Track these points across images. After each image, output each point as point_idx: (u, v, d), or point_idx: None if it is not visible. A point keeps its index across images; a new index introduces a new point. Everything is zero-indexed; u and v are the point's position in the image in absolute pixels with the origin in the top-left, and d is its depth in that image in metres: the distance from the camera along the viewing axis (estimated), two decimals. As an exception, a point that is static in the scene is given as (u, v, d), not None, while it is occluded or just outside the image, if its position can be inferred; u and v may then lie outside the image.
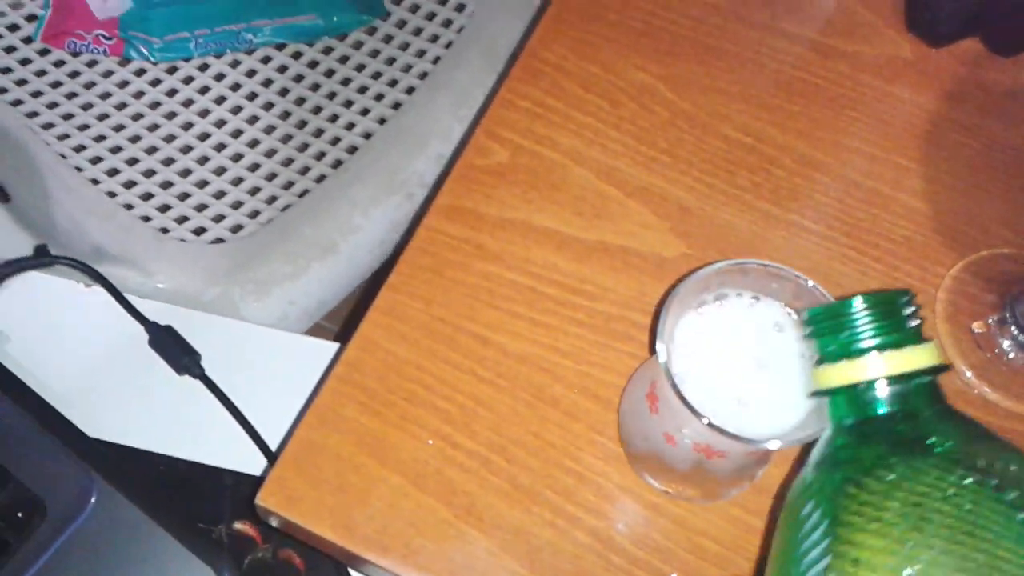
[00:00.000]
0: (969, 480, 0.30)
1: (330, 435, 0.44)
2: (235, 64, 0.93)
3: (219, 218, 0.84)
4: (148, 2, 0.91)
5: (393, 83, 0.92)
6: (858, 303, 0.32)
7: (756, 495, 0.44)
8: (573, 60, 0.55)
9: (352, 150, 0.88)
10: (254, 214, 0.85)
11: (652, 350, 0.46)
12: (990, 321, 0.49)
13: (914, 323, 0.33)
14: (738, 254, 0.50)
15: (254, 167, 0.87)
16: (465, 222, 0.50)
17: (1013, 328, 0.49)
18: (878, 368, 0.32)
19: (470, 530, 0.43)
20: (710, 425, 0.35)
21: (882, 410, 0.32)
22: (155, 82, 0.92)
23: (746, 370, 0.38)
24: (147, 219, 0.83)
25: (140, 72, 0.92)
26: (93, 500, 0.55)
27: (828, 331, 0.33)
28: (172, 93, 0.91)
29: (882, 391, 0.32)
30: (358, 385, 0.45)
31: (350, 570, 0.55)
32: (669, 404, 0.37)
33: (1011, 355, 0.49)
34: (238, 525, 0.61)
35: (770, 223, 0.51)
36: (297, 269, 0.81)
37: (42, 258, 0.66)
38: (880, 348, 0.32)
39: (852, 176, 0.52)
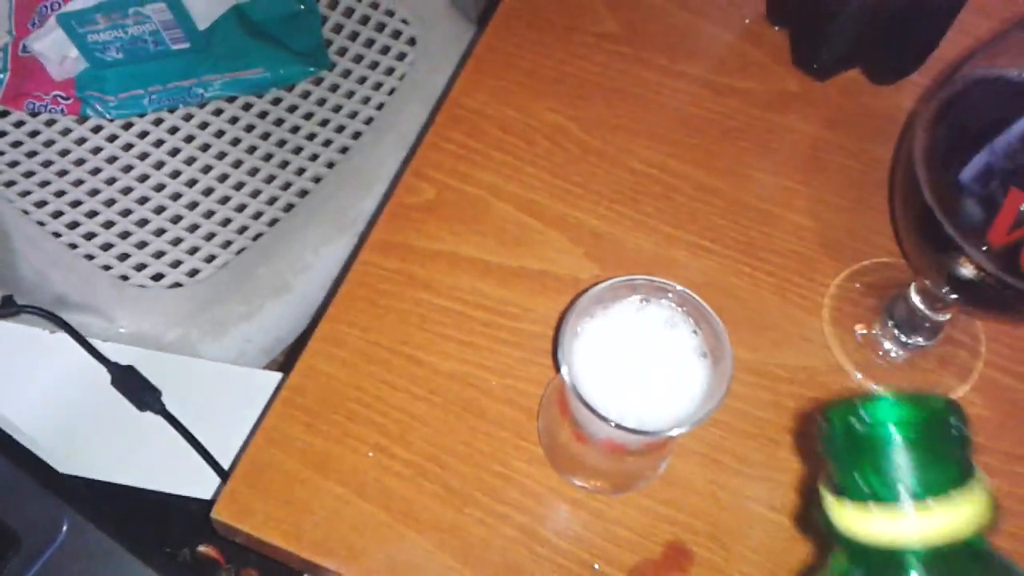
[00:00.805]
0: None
1: (277, 453, 0.49)
2: (188, 117, 0.98)
3: (176, 264, 0.89)
4: (102, 62, 0.96)
5: (340, 129, 0.97)
6: (895, 436, 0.25)
7: (663, 486, 0.49)
8: (492, 105, 0.60)
9: (303, 193, 0.93)
10: (210, 258, 0.89)
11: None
12: (871, 323, 0.55)
13: (963, 453, 0.26)
14: (645, 273, 0.55)
15: (209, 214, 0.92)
16: (397, 255, 0.55)
17: (892, 328, 0.54)
18: (915, 528, 0.25)
19: (408, 531, 0.48)
20: (617, 426, 0.39)
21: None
22: (112, 138, 0.96)
23: (642, 368, 0.43)
24: (108, 268, 0.88)
25: (97, 129, 0.96)
26: (64, 529, 0.59)
27: (852, 454, 0.27)
28: (128, 147, 0.96)
29: (916, 556, 0.26)
30: (302, 407, 0.50)
31: (307, 582, 0.59)
32: (576, 409, 0.42)
33: (891, 353, 0.54)
34: (202, 548, 0.65)
35: (673, 244, 0.56)
36: (252, 309, 0.85)
37: (8, 308, 0.70)
38: (919, 495, 0.25)
39: (745, 199, 0.58)
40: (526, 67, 0.62)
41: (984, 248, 0.40)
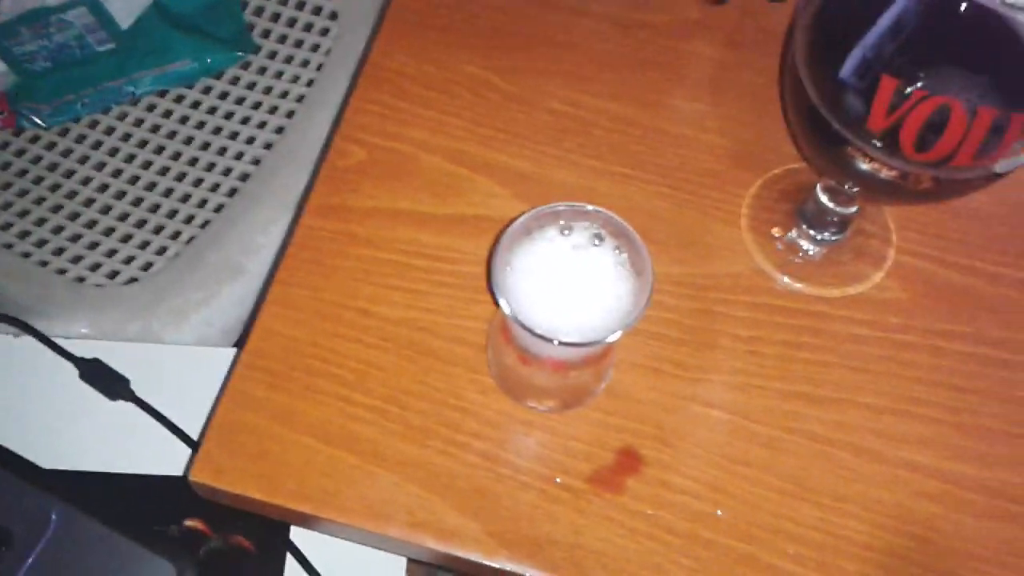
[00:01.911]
0: None
1: (244, 413, 0.52)
2: (123, 116, 0.99)
3: (129, 260, 0.91)
4: (32, 72, 0.97)
5: (273, 110, 0.99)
6: None
7: (609, 399, 0.53)
8: (412, 64, 0.63)
9: (244, 177, 0.95)
10: (162, 251, 0.91)
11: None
12: (786, 225, 0.59)
13: None
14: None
15: (155, 208, 0.94)
16: (336, 216, 0.58)
17: (807, 229, 0.58)
18: None
19: (376, 469, 0.51)
20: (557, 343, 0.43)
21: None
22: (50, 145, 0.98)
23: (572, 287, 0.46)
24: (63, 272, 0.89)
25: (34, 139, 0.98)
26: (53, 520, 0.61)
27: None
28: (67, 153, 0.97)
29: None
30: (262, 368, 0.53)
31: (292, 540, 0.62)
32: (518, 334, 0.46)
33: (810, 252, 0.58)
34: (188, 522, 0.68)
35: (596, 176, 0.60)
36: (209, 294, 0.87)
37: (-31, 317, 0.72)
38: None
39: (660, 125, 0.61)
40: (440, 24, 0.65)
41: (869, 136, 0.44)
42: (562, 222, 0.46)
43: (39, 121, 0.97)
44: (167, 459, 0.68)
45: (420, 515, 0.50)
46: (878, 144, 0.44)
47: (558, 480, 0.51)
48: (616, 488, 0.51)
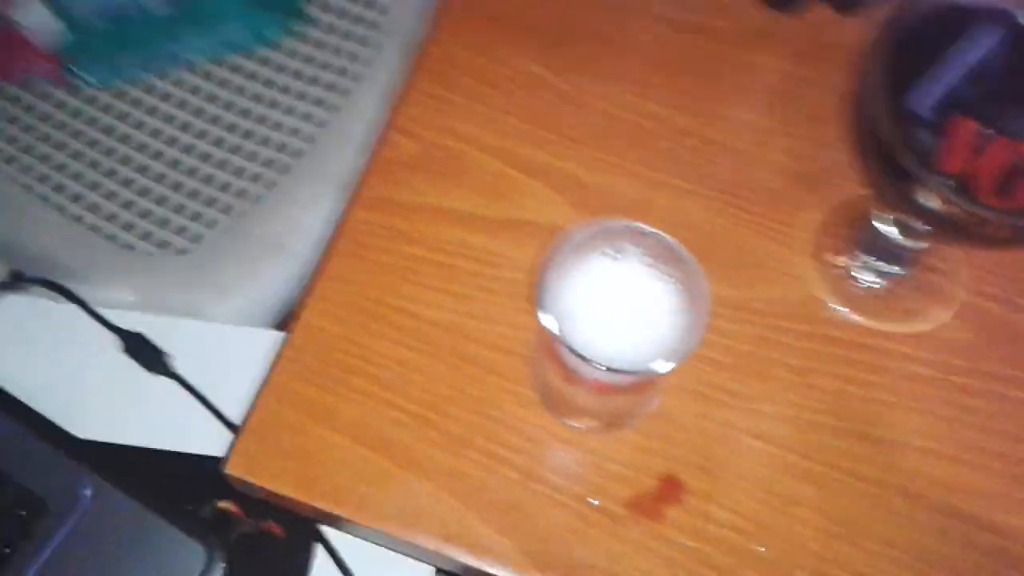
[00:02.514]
0: None
1: (283, 409, 0.51)
2: (179, 83, 0.99)
3: (180, 230, 0.90)
4: (88, 31, 0.97)
5: (330, 87, 0.98)
6: None
7: (654, 422, 0.52)
8: (466, 56, 0.61)
9: (298, 154, 0.95)
10: (212, 224, 0.91)
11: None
12: (850, 255, 0.56)
13: None
14: (628, 218, 0.57)
15: (208, 179, 0.94)
16: (384, 211, 0.57)
17: (870, 259, 0.56)
18: None
19: (412, 477, 0.50)
20: (601, 368, 0.41)
21: None
22: (106, 108, 0.97)
23: (622, 310, 0.44)
24: (112, 238, 0.90)
25: (91, 99, 0.98)
26: (87, 494, 0.62)
27: None
28: (123, 116, 0.97)
29: None
30: (304, 364, 0.52)
31: (322, 530, 0.62)
32: (562, 352, 0.44)
33: (870, 283, 0.56)
34: (221, 504, 0.67)
35: (653, 187, 0.58)
36: (253, 270, 0.87)
37: (17, 282, 0.72)
38: None
39: (720, 139, 0.59)
40: (496, 15, 0.63)
41: (940, 178, 0.41)
42: (617, 241, 0.45)
43: (94, 81, 0.97)
44: (203, 438, 0.67)
45: (453, 527, 0.49)
46: (952, 186, 0.41)
47: (596, 503, 0.50)
48: (655, 516, 0.50)
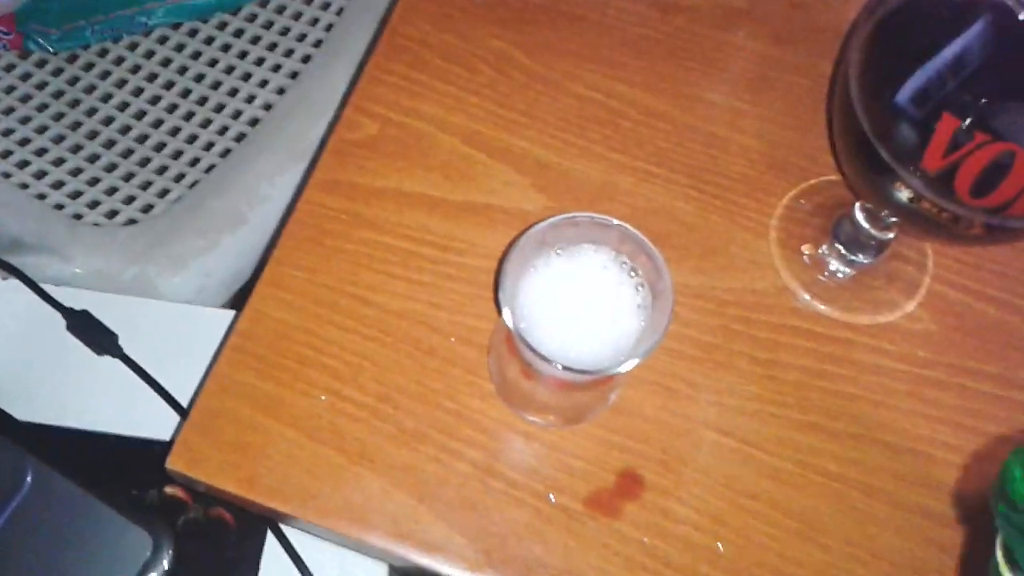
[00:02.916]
0: None
1: (229, 400, 0.49)
2: (133, 47, 0.95)
3: (130, 200, 0.87)
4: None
5: (289, 53, 0.95)
6: None
7: (614, 415, 0.50)
8: (433, 33, 0.59)
9: (254, 122, 0.92)
10: (164, 193, 0.88)
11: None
12: (818, 243, 0.55)
13: None
14: (592, 202, 0.55)
15: (160, 146, 0.90)
16: (341, 193, 0.54)
17: (838, 247, 0.54)
18: None
19: (364, 472, 0.48)
20: (560, 367, 0.40)
21: None
22: (56, 71, 0.94)
23: (583, 306, 0.43)
24: (60, 207, 0.86)
25: (41, 63, 0.94)
26: (28, 479, 0.59)
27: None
28: (74, 81, 0.93)
29: None
30: (251, 353, 0.50)
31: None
32: (522, 349, 0.42)
33: (838, 273, 0.55)
34: (168, 489, 0.66)
35: (620, 171, 0.56)
36: (209, 243, 0.84)
37: (-44, 257, 0.69)
38: None
39: (692, 122, 0.57)
40: (467, -9, 0.60)
41: (919, 173, 0.40)
42: (581, 235, 0.43)
43: (46, 45, 0.93)
44: (151, 422, 0.65)
45: (405, 525, 0.47)
46: (929, 182, 0.40)
47: (552, 498, 0.48)
48: (613, 512, 0.48)
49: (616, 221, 0.42)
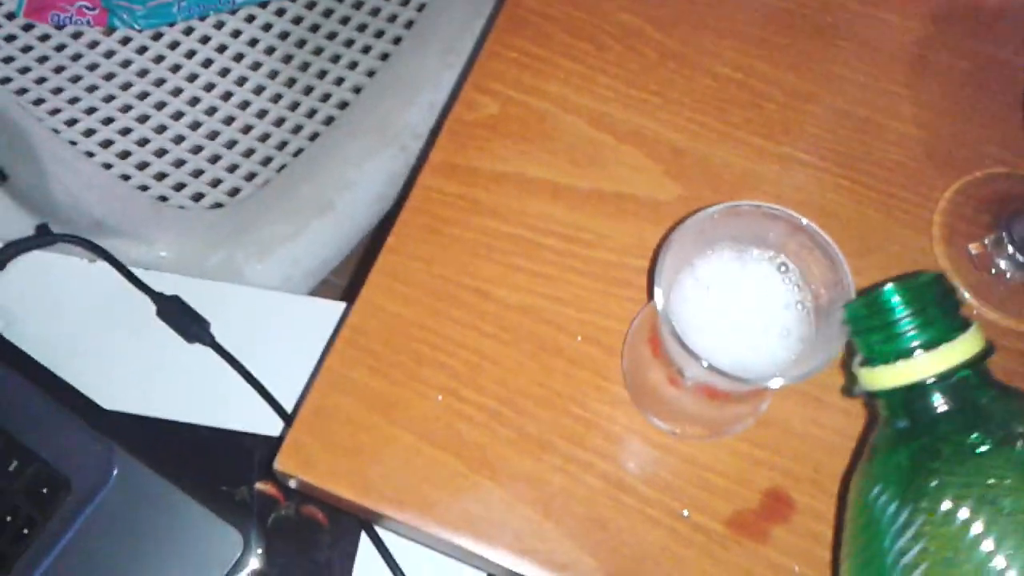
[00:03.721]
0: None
1: (340, 398, 0.45)
2: (219, 25, 0.92)
3: (216, 183, 0.84)
4: (128, -32, 0.90)
5: (380, 34, 0.91)
6: (897, 299, 0.33)
7: (760, 428, 0.45)
8: (557, 6, 0.54)
9: (343, 105, 0.88)
10: (251, 176, 0.85)
11: (651, 295, 0.47)
12: (986, 242, 0.50)
13: (955, 310, 0.33)
14: (733, 192, 0.50)
15: (247, 129, 0.87)
16: (459, 178, 0.50)
17: (1009, 247, 0.49)
18: (927, 367, 0.32)
19: (484, 481, 0.44)
20: (710, 367, 0.35)
21: (936, 400, 0.33)
22: (141, 49, 0.91)
23: (741, 314, 0.38)
24: (145, 188, 0.84)
25: (125, 41, 0.91)
26: (115, 472, 0.57)
27: (870, 330, 0.34)
28: (159, 60, 0.91)
29: (934, 385, 0.33)
30: (364, 348, 0.46)
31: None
32: (670, 348, 0.38)
33: (1008, 274, 0.49)
34: (260, 486, 0.62)
35: (763, 158, 0.51)
36: (297, 228, 0.81)
37: (44, 237, 0.66)
38: (926, 346, 0.32)
39: (843, 106, 0.52)
40: (594, -40, 0.56)
41: None
42: (745, 227, 0.38)
43: (131, 22, 0.91)
44: (241, 414, 0.62)
45: (529, 541, 0.43)
46: None
47: (685, 513, 0.44)
48: (759, 536, 0.43)
49: (788, 211, 0.37)
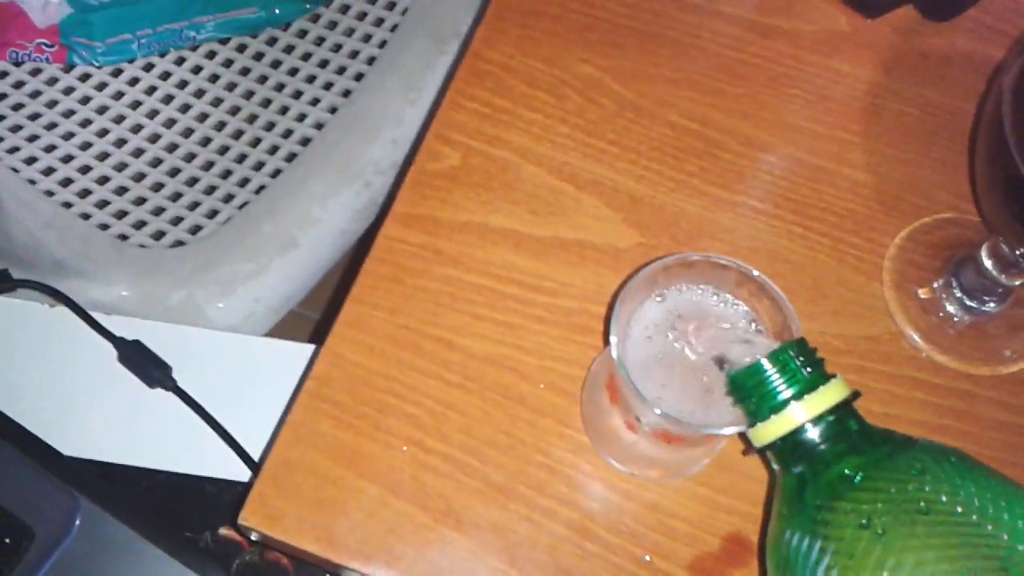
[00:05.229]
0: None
1: (305, 451, 0.45)
2: (180, 61, 0.92)
3: (177, 220, 0.84)
4: (87, 6, 0.90)
5: (341, 70, 0.92)
6: (767, 364, 0.36)
7: (719, 471, 0.46)
8: (517, 58, 0.55)
9: (305, 142, 0.88)
10: (212, 214, 0.85)
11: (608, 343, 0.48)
12: (935, 286, 0.51)
13: (819, 366, 0.36)
14: (690, 239, 0.51)
15: (208, 166, 0.87)
16: (422, 228, 0.51)
17: (957, 292, 0.50)
18: (801, 414, 0.36)
19: (449, 532, 0.45)
20: (663, 415, 0.36)
21: (819, 441, 0.36)
22: (101, 86, 0.91)
23: (694, 360, 0.39)
24: (105, 227, 0.83)
25: (85, 77, 0.91)
26: (78, 521, 0.56)
27: (748, 396, 0.37)
28: (119, 96, 0.90)
29: (811, 429, 0.36)
30: (329, 400, 0.47)
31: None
32: (625, 395, 0.39)
33: (956, 318, 0.51)
34: (223, 531, 0.62)
35: (719, 206, 0.52)
36: (259, 266, 0.81)
37: (3, 283, 0.66)
38: (796, 397, 0.36)
39: (796, 154, 0.53)
40: (553, 13, 0.57)
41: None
42: (696, 276, 0.39)
43: (91, 59, 0.90)
44: (206, 459, 0.62)
45: (496, 592, 0.43)
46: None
47: (647, 559, 0.45)
48: (720, 581, 0.44)
49: (736, 261, 0.38)
